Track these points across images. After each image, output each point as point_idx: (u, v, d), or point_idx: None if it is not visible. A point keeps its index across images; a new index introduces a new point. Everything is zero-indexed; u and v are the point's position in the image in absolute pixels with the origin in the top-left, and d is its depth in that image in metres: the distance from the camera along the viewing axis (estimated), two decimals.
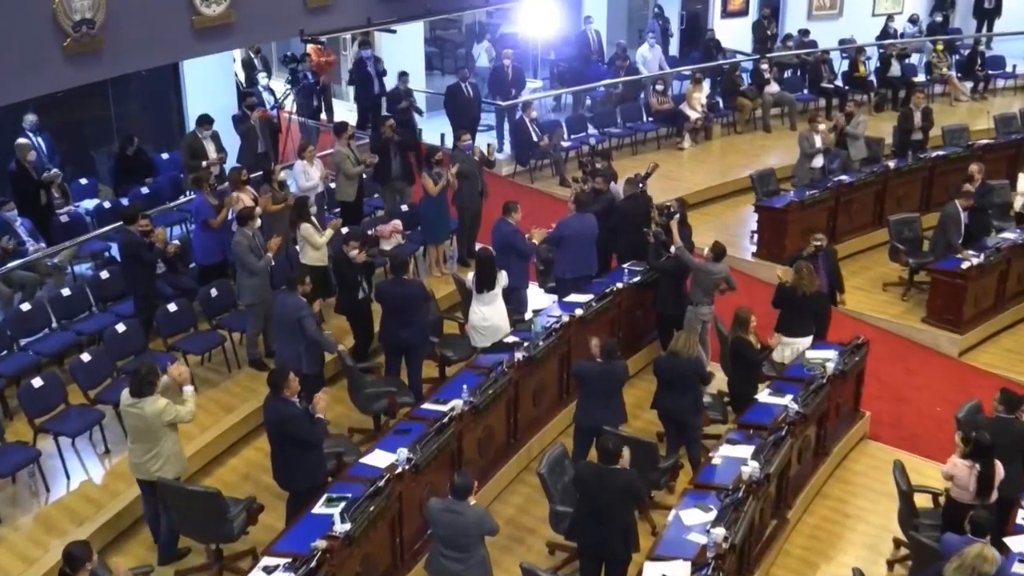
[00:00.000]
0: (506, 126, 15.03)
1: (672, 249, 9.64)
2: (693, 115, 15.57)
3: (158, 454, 7.10)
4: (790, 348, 9.22)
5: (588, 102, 16.81)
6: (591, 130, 15.20)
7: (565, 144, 14.61)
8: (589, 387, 8.10)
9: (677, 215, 10.05)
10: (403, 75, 14.22)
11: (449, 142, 13.61)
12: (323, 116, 15.34)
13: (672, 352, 8.10)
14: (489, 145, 12.09)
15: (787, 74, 17.49)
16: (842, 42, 18.52)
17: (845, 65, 17.84)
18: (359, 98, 15.18)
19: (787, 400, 8.11)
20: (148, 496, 7.37)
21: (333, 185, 11.64)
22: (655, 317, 10.12)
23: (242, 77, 15.04)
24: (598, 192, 10.83)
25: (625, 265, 10.45)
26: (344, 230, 10.19)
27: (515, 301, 9.86)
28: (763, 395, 8.39)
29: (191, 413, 7.16)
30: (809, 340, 9.24)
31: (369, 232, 11.08)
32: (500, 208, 9.93)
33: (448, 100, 14.35)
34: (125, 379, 7.76)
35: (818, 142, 12.98)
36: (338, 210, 11.78)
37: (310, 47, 14.27)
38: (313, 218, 9.98)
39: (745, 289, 10.40)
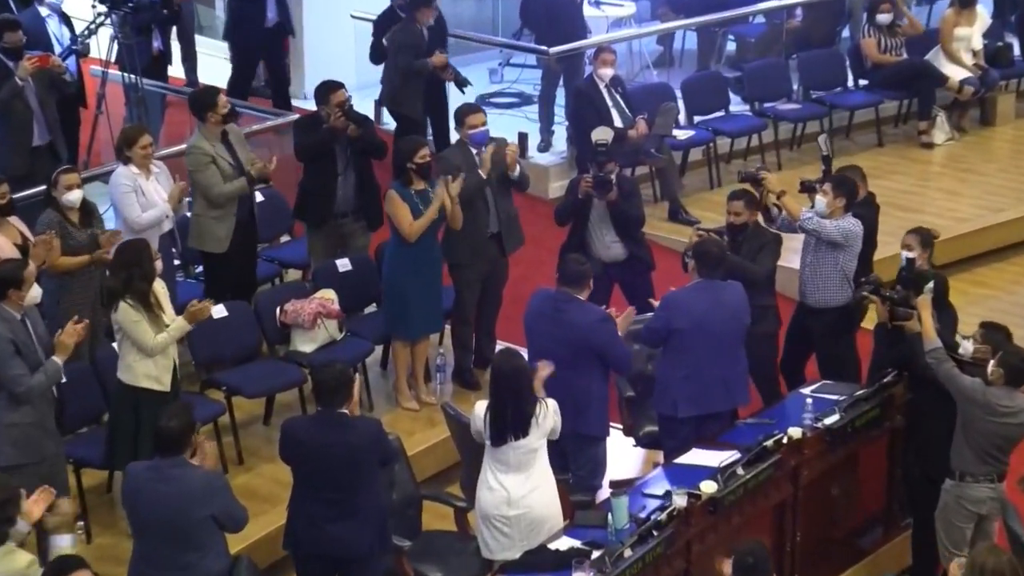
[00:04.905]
0: (559, 96, 15.34)
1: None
2: (956, 74, 15.80)
3: None
4: None
5: (731, 47, 17.12)
6: (737, 105, 15.49)
7: (682, 136, 14.85)
8: None
9: (931, 284, 10.20)
10: None
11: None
12: (181, 75, 15.84)
13: None
14: (521, 137, 12.22)
15: None
16: None
17: None
18: (235, 38, 15.73)
19: None
20: None
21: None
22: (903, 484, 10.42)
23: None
24: (738, 229, 11.10)
25: (807, 389, 10.57)
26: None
27: (584, 463, 10.01)
28: None
29: None
30: None
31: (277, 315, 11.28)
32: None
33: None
34: None
35: None
36: (200, 270, 12.03)
37: None
38: (154, 287, 10.13)
39: None
